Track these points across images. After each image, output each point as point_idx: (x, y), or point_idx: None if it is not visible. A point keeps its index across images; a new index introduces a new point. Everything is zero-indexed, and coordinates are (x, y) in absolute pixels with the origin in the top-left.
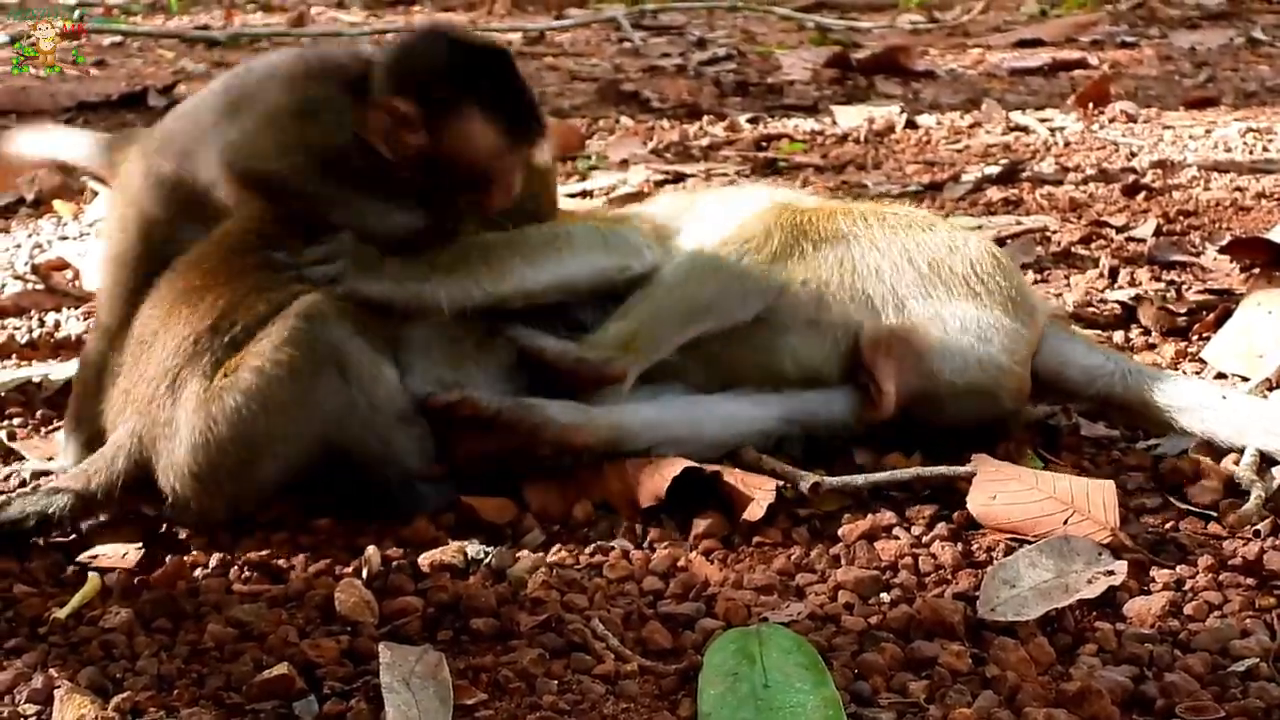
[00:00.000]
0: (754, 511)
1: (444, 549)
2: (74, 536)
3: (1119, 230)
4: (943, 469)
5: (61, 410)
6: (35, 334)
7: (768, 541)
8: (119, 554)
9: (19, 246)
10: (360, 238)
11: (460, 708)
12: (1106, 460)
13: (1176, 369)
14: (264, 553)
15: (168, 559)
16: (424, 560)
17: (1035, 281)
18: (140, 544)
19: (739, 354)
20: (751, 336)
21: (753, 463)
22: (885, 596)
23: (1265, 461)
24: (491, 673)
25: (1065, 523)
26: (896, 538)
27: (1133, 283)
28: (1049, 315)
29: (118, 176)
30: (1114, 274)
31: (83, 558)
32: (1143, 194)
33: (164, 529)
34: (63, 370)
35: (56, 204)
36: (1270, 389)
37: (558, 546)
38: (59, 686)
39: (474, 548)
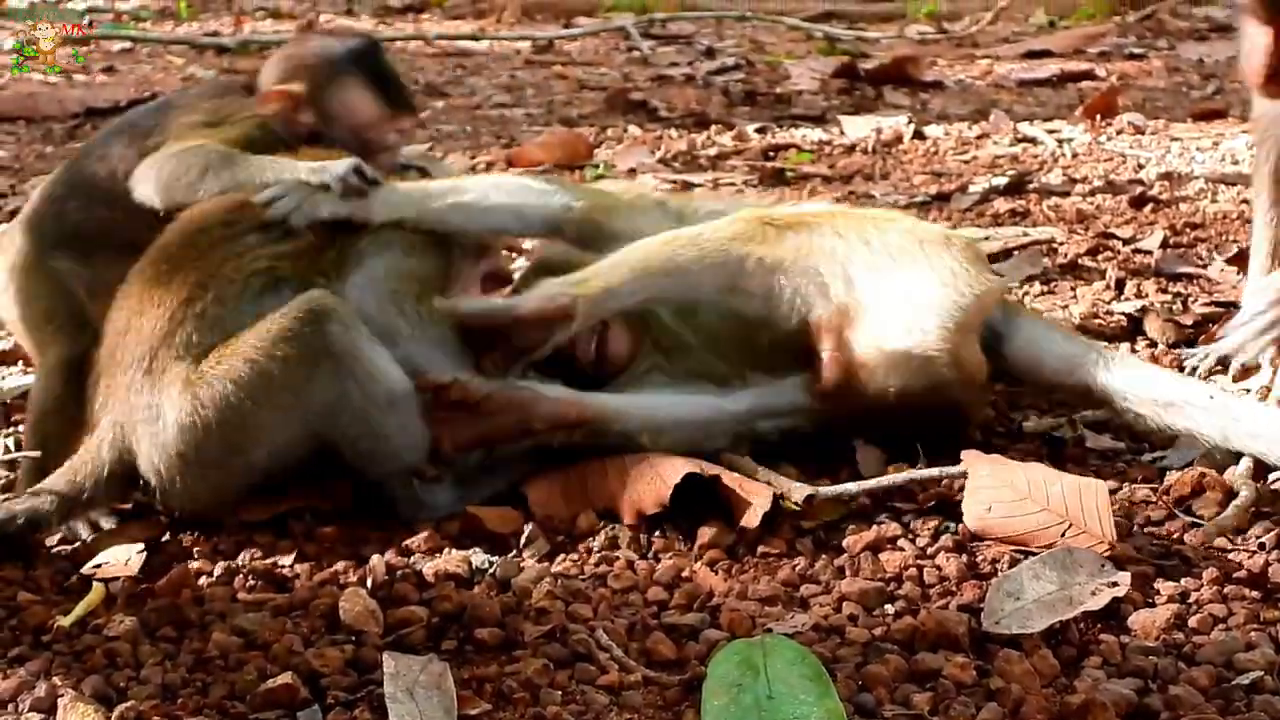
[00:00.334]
0: (751, 519)
1: (448, 558)
2: (77, 545)
3: (1126, 242)
4: (934, 470)
5: None
6: None
7: (772, 552)
8: (123, 562)
9: None
10: None
11: (464, 718)
12: (1112, 472)
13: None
14: (268, 561)
15: (172, 567)
16: (428, 570)
17: (1042, 293)
18: (144, 551)
19: (709, 328)
20: (718, 311)
21: (749, 473)
22: (889, 608)
23: (1261, 467)
24: (496, 683)
25: (1063, 535)
26: (901, 549)
27: (1139, 294)
28: (1002, 294)
29: None
30: (1120, 286)
31: (87, 566)
32: (1150, 206)
33: (167, 536)
34: None
35: None
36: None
37: (562, 556)
38: (63, 695)
39: (479, 557)
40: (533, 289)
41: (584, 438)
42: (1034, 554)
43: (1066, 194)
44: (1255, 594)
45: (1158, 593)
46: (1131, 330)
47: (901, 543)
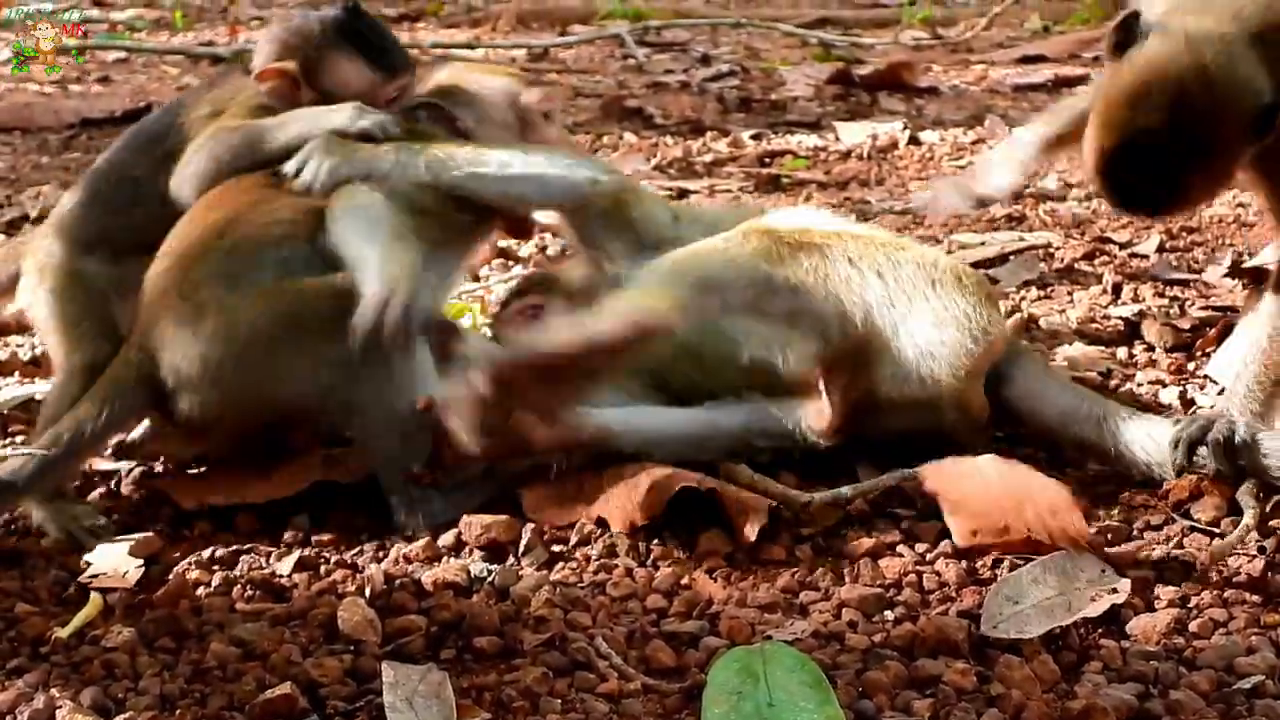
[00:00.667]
0: (750, 530)
1: (447, 567)
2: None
3: (1122, 246)
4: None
5: None
6: (38, 351)
7: (771, 559)
8: (121, 573)
9: None
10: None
11: None
12: (1110, 476)
13: (1180, 385)
14: (266, 571)
15: (170, 578)
16: (427, 578)
17: (1039, 297)
18: (142, 563)
19: (725, 350)
20: (724, 329)
21: (746, 483)
22: (889, 614)
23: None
24: (495, 691)
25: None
26: (900, 555)
27: (1136, 299)
28: (1012, 340)
29: None
30: (1117, 290)
31: (84, 577)
32: None
33: (165, 547)
34: None
35: None
36: None
37: (561, 564)
38: (61, 706)
39: (477, 566)
40: (590, 314)
41: (583, 456)
42: (1032, 559)
43: (1063, 199)
44: (1255, 599)
45: (1158, 598)
46: (1129, 334)
47: (901, 549)
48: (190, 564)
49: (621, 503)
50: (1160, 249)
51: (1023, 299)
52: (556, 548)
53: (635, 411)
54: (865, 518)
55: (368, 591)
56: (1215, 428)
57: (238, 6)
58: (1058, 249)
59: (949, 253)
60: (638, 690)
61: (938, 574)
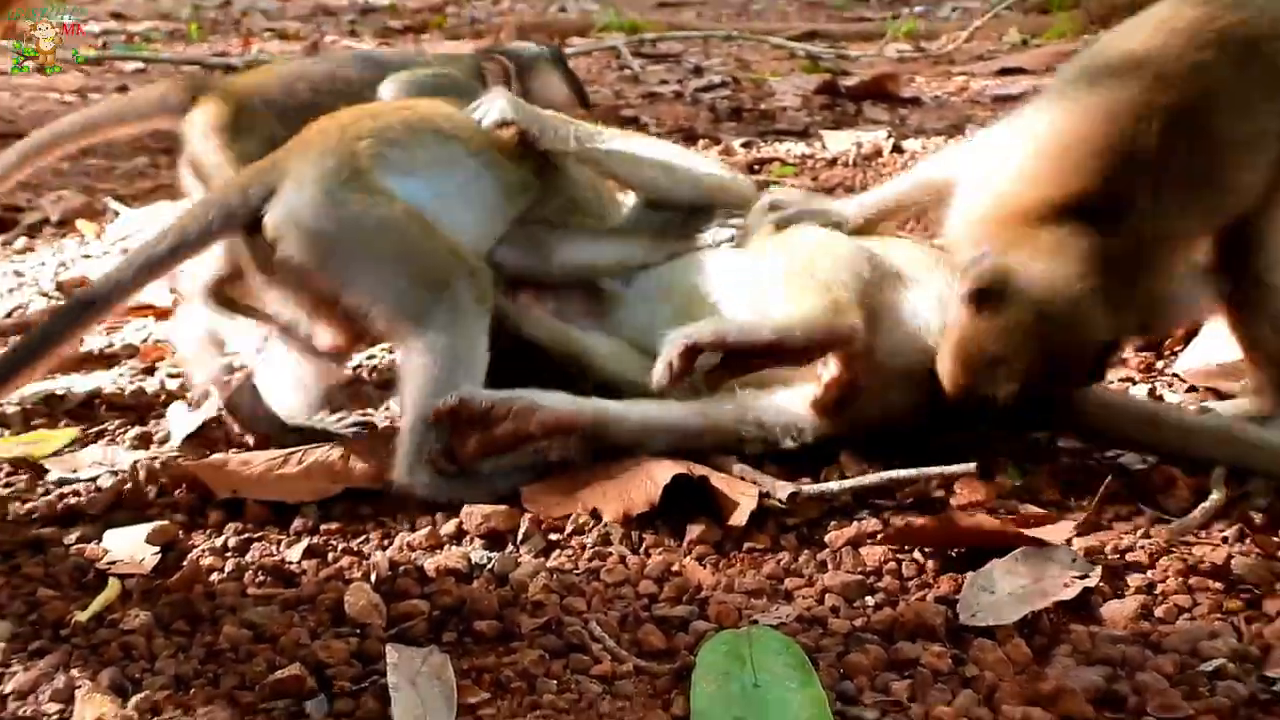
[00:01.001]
0: (739, 517)
1: (449, 554)
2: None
3: None
4: (913, 471)
5: (84, 422)
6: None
7: (758, 547)
8: (137, 559)
9: (44, 264)
10: None
11: (464, 707)
12: (1081, 467)
13: (1149, 383)
14: (277, 558)
15: (185, 564)
16: (430, 565)
17: None
18: (158, 550)
19: None
20: None
21: (736, 474)
22: (870, 600)
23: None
24: (494, 673)
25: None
26: (880, 544)
27: None
28: None
29: None
30: None
31: (103, 563)
32: None
33: (181, 535)
34: (85, 384)
35: (80, 223)
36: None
37: (557, 552)
38: (80, 686)
39: (477, 553)
40: (787, 318)
41: (581, 444)
42: (1008, 550)
43: None
44: (1218, 585)
45: (1126, 584)
46: None
47: (881, 538)
48: (204, 551)
49: (619, 494)
50: None
51: None
52: (553, 536)
53: (631, 403)
54: (847, 509)
55: (373, 577)
56: None
57: (250, 19)
58: None
59: None
60: (630, 672)
61: (916, 562)
